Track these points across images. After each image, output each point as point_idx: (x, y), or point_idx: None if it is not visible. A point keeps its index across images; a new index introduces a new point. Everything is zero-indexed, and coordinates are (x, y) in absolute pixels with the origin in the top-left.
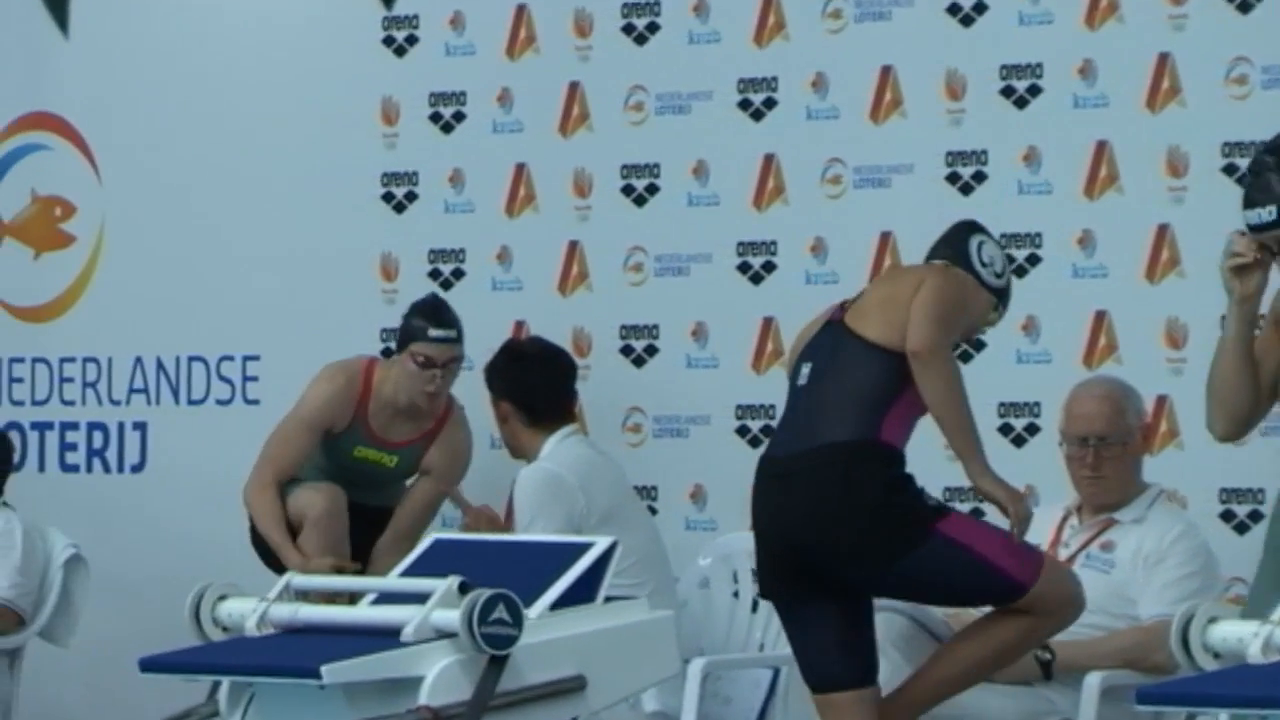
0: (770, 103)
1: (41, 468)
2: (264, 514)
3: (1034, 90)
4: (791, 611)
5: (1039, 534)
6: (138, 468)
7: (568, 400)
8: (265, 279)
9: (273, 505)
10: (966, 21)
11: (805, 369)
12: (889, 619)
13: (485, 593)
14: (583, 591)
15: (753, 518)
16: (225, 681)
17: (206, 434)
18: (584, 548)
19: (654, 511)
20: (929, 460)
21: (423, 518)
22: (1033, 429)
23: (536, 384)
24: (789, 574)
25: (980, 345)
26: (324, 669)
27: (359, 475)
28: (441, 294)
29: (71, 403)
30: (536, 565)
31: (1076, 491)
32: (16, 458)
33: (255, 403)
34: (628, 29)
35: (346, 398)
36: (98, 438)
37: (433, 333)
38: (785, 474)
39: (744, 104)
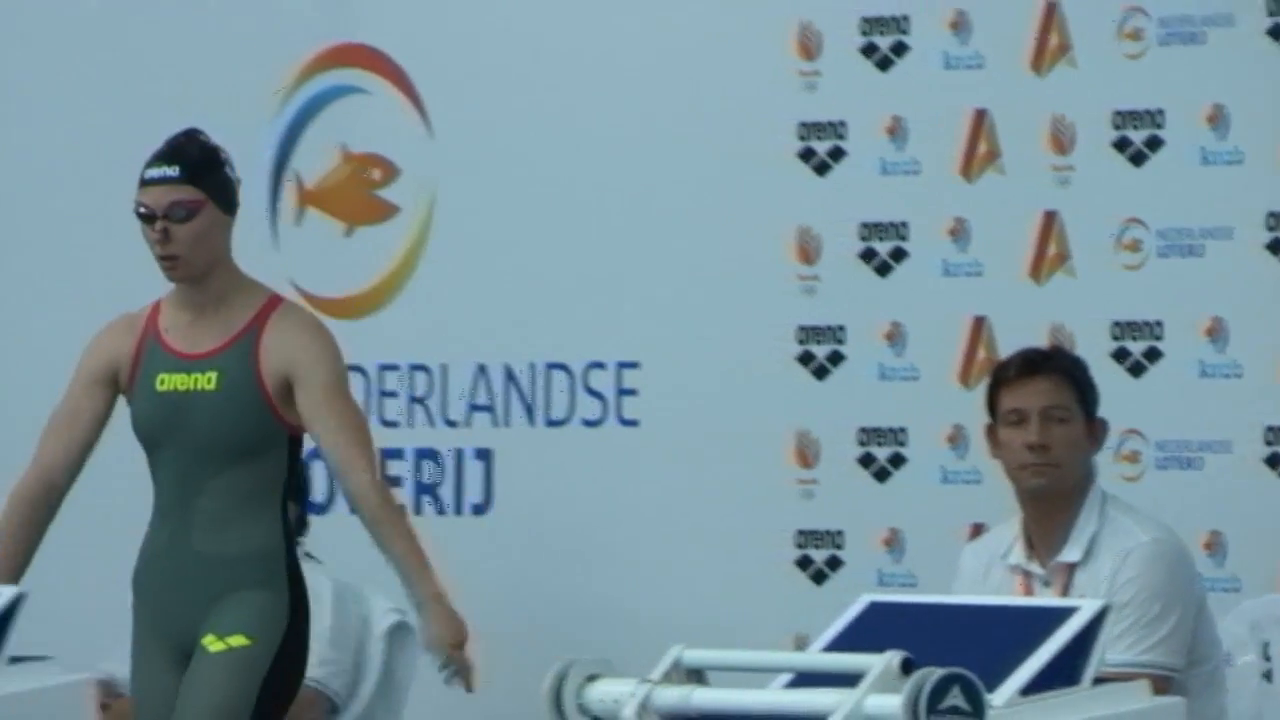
0: None
1: (354, 509)
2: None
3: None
4: None
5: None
6: (480, 508)
7: None
8: (644, 264)
9: (13, 530)
10: None
11: None
12: None
13: (936, 673)
14: (1064, 671)
15: None
16: None
17: (569, 464)
18: (1065, 613)
19: None
20: None
21: (349, 426)
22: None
23: None
24: None
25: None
26: None
27: (180, 422)
28: (876, 277)
29: (394, 424)
30: (1003, 636)
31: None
32: (320, 496)
33: (633, 424)
34: None
35: (122, 326)
36: (428, 470)
37: (145, 173)
38: None
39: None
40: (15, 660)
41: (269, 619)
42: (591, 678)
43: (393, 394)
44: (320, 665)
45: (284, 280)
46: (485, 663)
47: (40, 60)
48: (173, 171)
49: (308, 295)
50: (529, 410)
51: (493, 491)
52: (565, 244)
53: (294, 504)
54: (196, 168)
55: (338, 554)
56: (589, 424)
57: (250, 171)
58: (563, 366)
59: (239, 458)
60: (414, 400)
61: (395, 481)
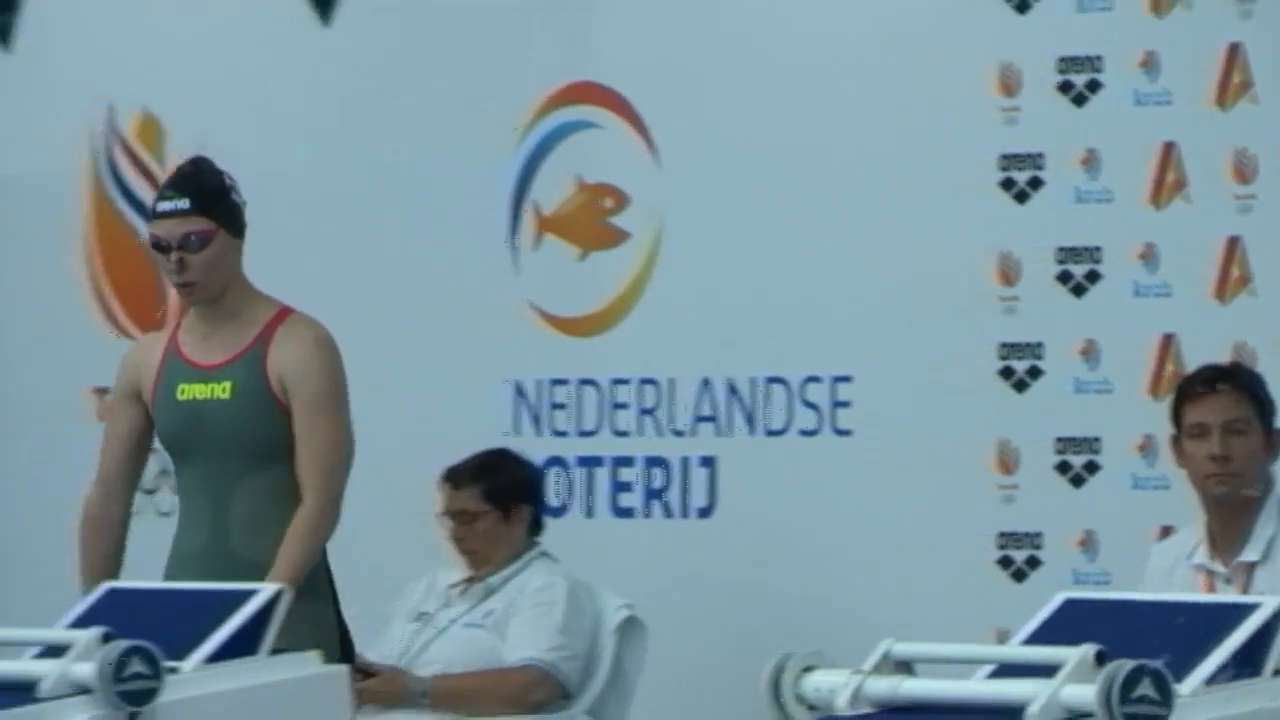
0: None
1: (589, 512)
2: (79, 549)
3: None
4: None
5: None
6: (705, 511)
7: None
8: (857, 285)
9: (86, 541)
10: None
11: None
12: None
13: (1127, 665)
14: (1246, 663)
15: None
16: None
17: (787, 471)
18: (1247, 609)
19: None
20: None
21: (320, 446)
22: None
23: None
24: None
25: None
26: None
27: (200, 428)
28: (1072, 297)
29: (625, 434)
30: (1189, 631)
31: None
32: (559, 500)
33: (846, 433)
34: None
35: (147, 345)
36: (657, 476)
37: (156, 206)
38: None
39: None
40: (277, 652)
41: (323, 631)
42: (807, 669)
43: (624, 406)
44: (551, 650)
45: (523, 301)
46: (707, 656)
47: (292, 94)
48: (184, 203)
49: (546, 315)
50: (750, 421)
51: (716, 496)
52: (783, 266)
53: (529, 505)
54: (207, 198)
55: (574, 554)
56: (805, 434)
57: (492, 200)
58: (781, 380)
59: (261, 461)
60: (644, 412)
61: (626, 487)
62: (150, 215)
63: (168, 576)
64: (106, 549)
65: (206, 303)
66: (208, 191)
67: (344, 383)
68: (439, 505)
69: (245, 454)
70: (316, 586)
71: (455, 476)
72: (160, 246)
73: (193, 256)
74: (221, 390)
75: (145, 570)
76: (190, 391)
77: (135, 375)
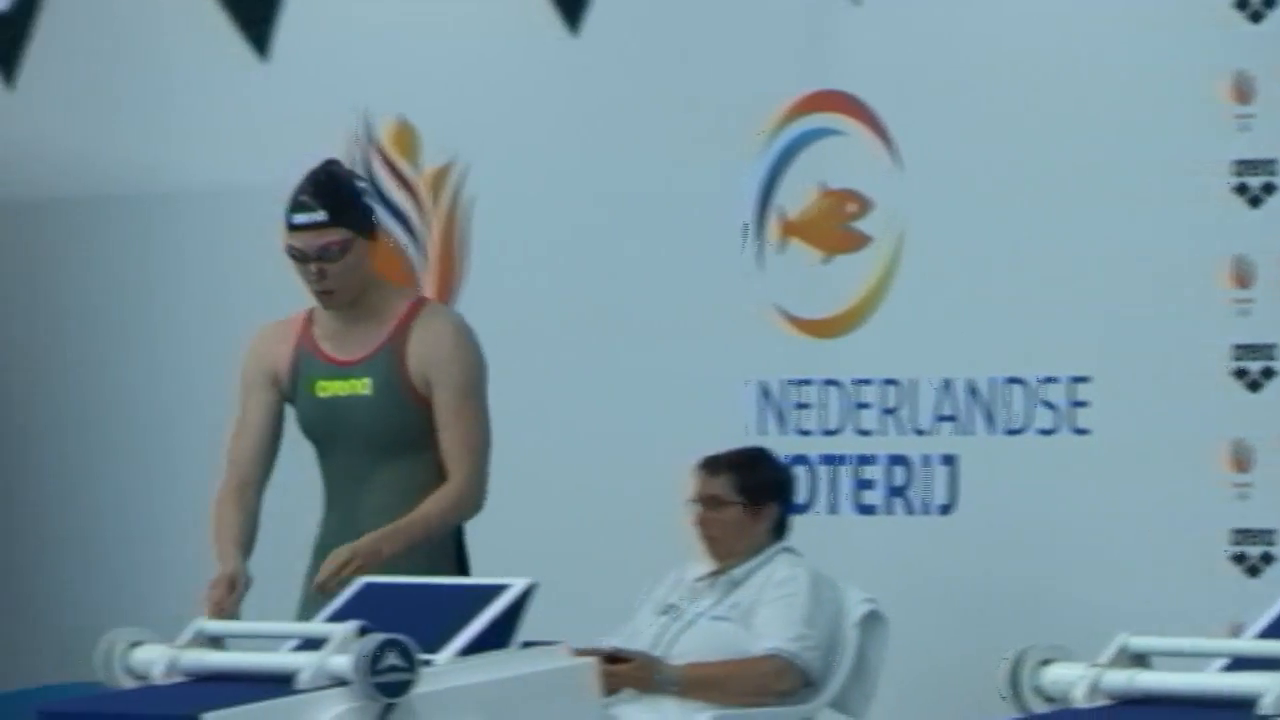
0: None
1: (833, 509)
2: (214, 529)
3: None
4: None
5: None
6: (946, 509)
7: None
8: (1093, 287)
9: (226, 516)
10: None
11: None
12: None
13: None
14: None
15: None
16: None
17: (1026, 469)
18: None
19: None
20: None
21: (465, 431)
22: None
23: None
24: None
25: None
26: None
27: (341, 423)
28: None
29: (868, 433)
30: None
31: None
32: (803, 497)
33: (1084, 433)
34: None
35: (275, 334)
36: (899, 474)
37: (293, 218)
38: None
39: None
40: (527, 644)
41: None
42: (1045, 662)
43: (867, 405)
44: (794, 640)
45: (768, 303)
46: (947, 649)
47: (541, 102)
48: (320, 216)
49: (790, 317)
50: (990, 420)
51: (957, 494)
52: (1021, 269)
53: (777, 505)
54: (342, 208)
55: (817, 550)
56: (1043, 433)
57: (738, 205)
58: (1020, 380)
59: (399, 453)
60: (886, 411)
61: (869, 485)
62: (287, 224)
63: (314, 557)
64: (246, 526)
65: (346, 307)
66: (342, 201)
67: (484, 368)
68: (691, 491)
69: (383, 447)
70: (441, 569)
71: (711, 464)
72: (298, 257)
73: (331, 266)
74: (361, 386)
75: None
76: (330, 388)
77: (268, 364)
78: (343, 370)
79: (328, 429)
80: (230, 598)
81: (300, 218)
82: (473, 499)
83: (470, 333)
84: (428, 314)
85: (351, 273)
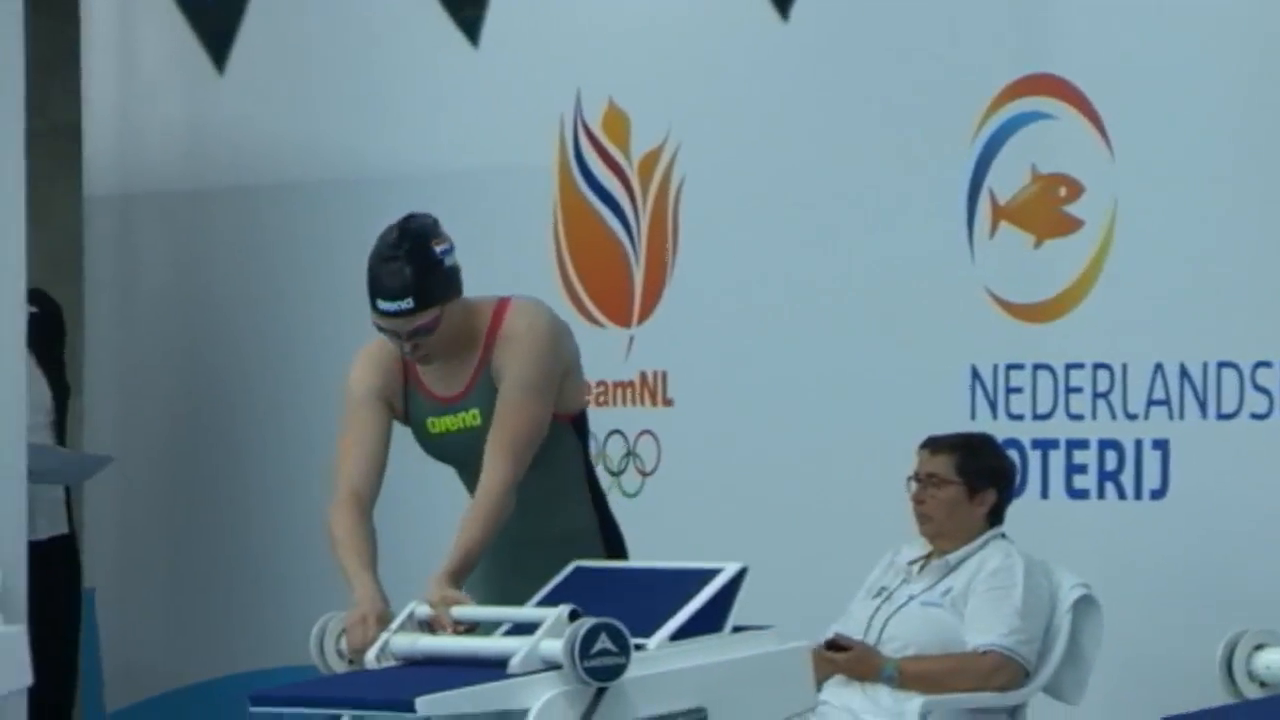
0: None
1: (1045, 493)
2: (333, 539)
3: None
4: None
5: None
6: (1158, 493)
7: None
8: None
9: (346, 524)
10: None
11: None
12: None
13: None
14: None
15: None
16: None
17: (1238, 454)
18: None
19: None
20: None
21: (514, 427)
22: None
23: None
24: None
25: None
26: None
27: (463, 454)
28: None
29: (1080, 417)
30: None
31: None
32: (1016, 479)
33: None
34: None
35: (383, 354)
36: (1111, 458)
37: (380, 305)
38: None
39: None
40: (738, 629)
41: None
42: (1259, 647)
43: (1078, 390)
44: (1010, 634)
45: (979, 287)
46: (1160, 634)
47: (751, 87)
48: (407, 304)
49: (1002, 301)
50: (1202, 405)
51: (1169, 479)
52: (1234, 254)
53: (996, 492)
54: (428, 290)
55: (1030, 534)
56: (1257, 417)
57: (950, 189)
58: (1233, 365)
59: (530, 464)
60: (1097, 395)
61: (1081, 469)
62: (372, 304)
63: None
64: (371, 546)
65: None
66: (428, 281)
67: (553, 369)
68: (913, 468)
69: None
70: (595, 551)
71: (933, 443)
72: (388, 334)
73: (425, 340)
74: (471, 419)
75: None
76: (441, 425)
77: (384, 381)
78: (450, 407)
79: (453, 461)
80: (376, 630)
81: (388, 305)
82: (510, 499)
83: (546, 326)
84: (507, 320)
85: (444, 336)
